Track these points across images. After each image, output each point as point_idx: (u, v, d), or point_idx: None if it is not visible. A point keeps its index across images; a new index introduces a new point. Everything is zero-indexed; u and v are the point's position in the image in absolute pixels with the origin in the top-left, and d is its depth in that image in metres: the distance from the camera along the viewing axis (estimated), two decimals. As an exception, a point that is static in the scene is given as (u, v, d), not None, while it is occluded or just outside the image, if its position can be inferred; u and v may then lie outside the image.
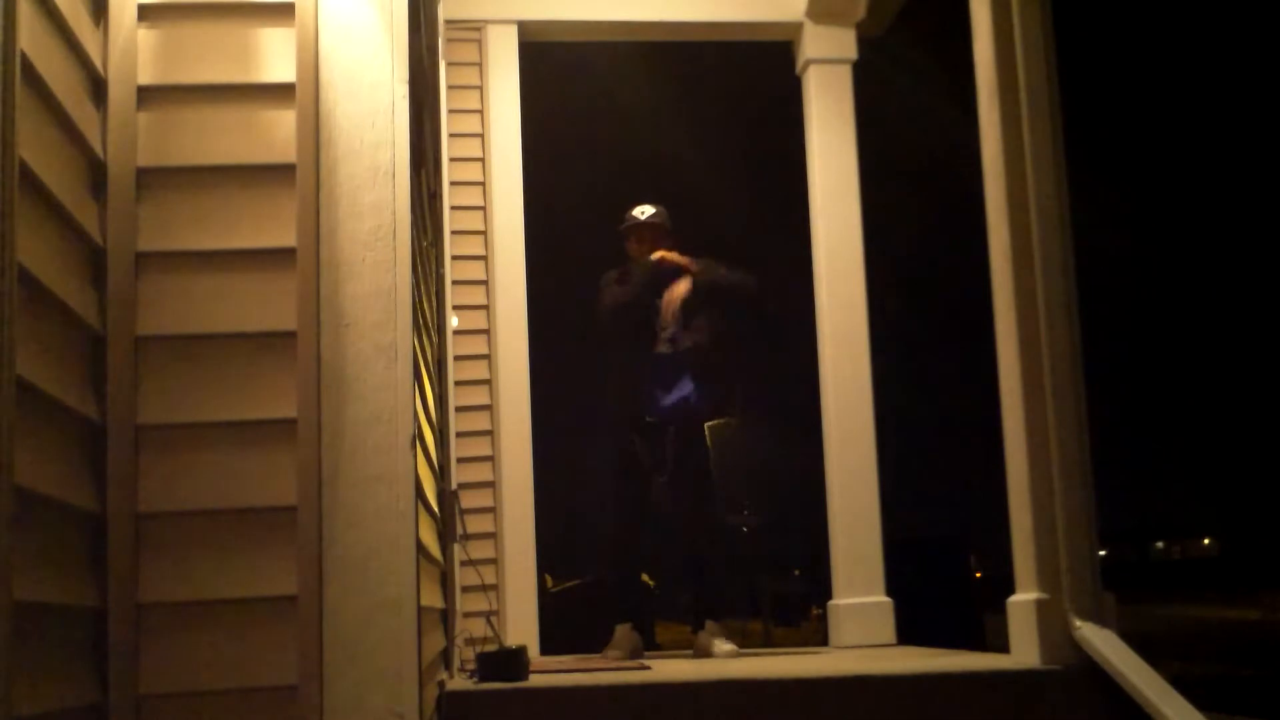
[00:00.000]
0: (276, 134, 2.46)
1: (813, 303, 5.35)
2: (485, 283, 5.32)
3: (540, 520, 5.26)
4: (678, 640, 7.82)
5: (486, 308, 5.30)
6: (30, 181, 1.88)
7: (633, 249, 5.01)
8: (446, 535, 3.76)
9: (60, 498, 2.01)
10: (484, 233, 5.34)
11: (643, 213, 5.01)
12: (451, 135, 5.23)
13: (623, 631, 4.73)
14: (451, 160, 5.21)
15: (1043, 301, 3.35)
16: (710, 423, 5.09)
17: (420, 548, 2.55)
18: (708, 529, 4.89)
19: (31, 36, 1.90)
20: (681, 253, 4.96)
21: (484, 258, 5.33)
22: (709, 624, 4.74)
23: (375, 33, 2.54)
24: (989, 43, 3.54)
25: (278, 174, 2.45)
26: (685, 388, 4.84)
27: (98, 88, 2.34)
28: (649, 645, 5.50)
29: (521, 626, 5.04)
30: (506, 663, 3.30)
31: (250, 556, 2.33)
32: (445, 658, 3.55)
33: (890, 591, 5.12)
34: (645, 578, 5.53)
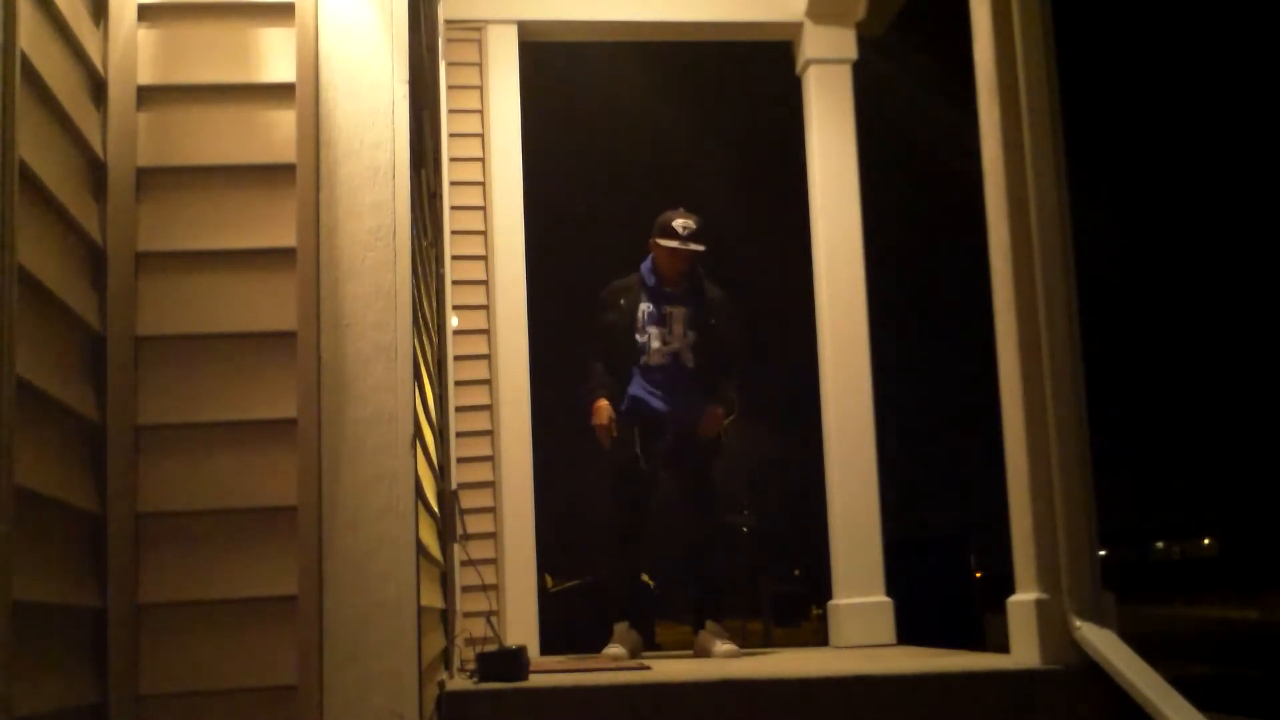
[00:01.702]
0: (276, 134, 2.46)
1: (813, 303, 5.35)
2: (485, 283, 5.32)
3: (540, 520, 5.26)
4: (678, 640, 7.82)
5: (486, 308, 5.30)
6: (30, 181, 1.88)
7: (663, 260, 4.84)
8: (446, 535, 3.76)
9: (60, 498, 2.01)
10: (484, 233, 5.34)
11: (685, 228, 4.78)
12: (451, 135, 5.23)
13: (621, 630, 4.74)
14: (451, 160, 5.21)
15: (1043, 301, 3.35)
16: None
17: (420, 548, 2.55)
18: (707, 529, 4.89)
19: (31, 36, 1.90)
20: (703, 275, 4.92)
21: (484, 258, 5.33)
22: (709, 624, 4.74)
23: (375, 33, 2.54)
24: (989, 43, 3.54)
25: (278, 174, 2.45)
26: (686, 396, 4.82)
27: (98, 88, 2.34)
28: (649, 645, 5.50)
29: (521, 626, 5.04)
30: (506, 663, 3.30)
31: (250, 557, 2.33)
32: (445, 658, 3.55)
33: (890, 591, 5.12)
34: (645, 577, 5.52)
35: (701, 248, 4.82)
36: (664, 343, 4.84)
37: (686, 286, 4.89)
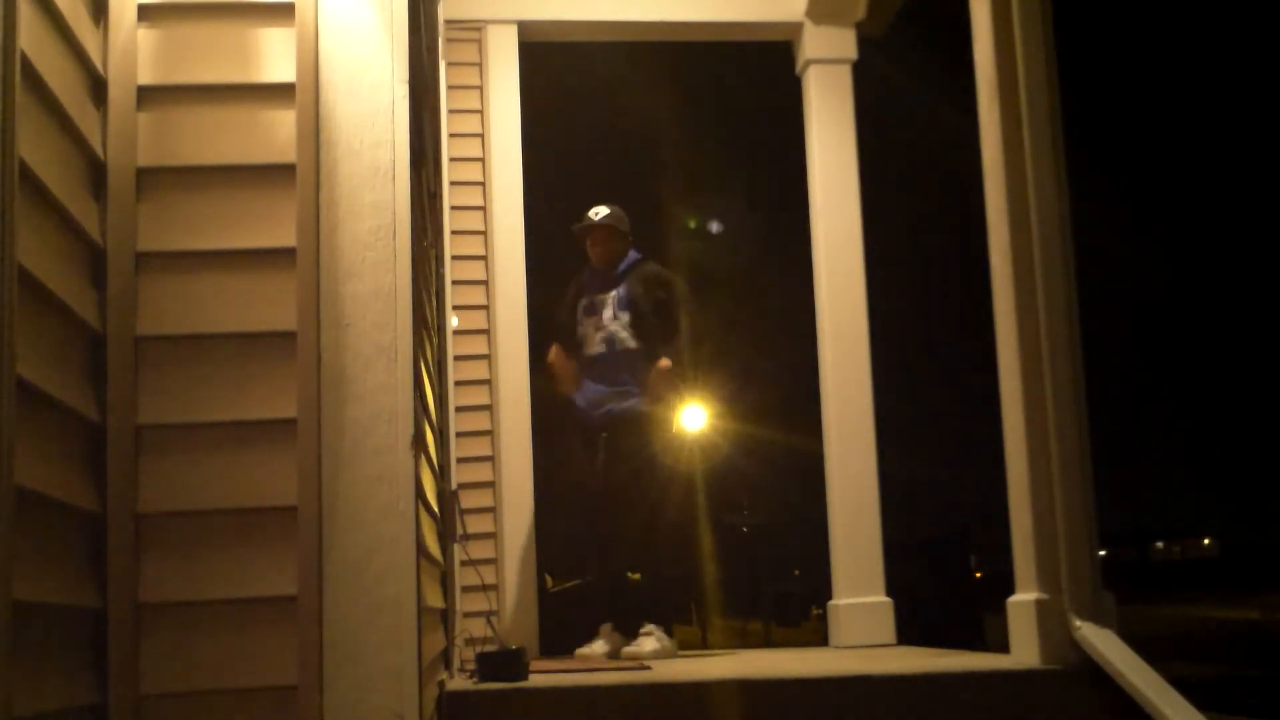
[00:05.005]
0: (276, 134, 2.46)
1: (813, 303, 5.35)
2: (485, 283, 5.32)
3: (540, 520, 5.26)
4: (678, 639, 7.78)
5: (486, 308, 5.30)
6: (30, 181, 1.88)
7: (589, 250, 5.09)
8: (446, 535, 3.76)
9: (60, 498, 2.01)
10: (484, 233, 5.34)
11: (597, 214, 5.05)
12: (451, 135, 5.23)
13: (605, 631, 4.80)
14: (451, 160, 5.21)
15: (1043, 301, 3.35)
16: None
17: (420, 548, 2.55)
18: (642, 529, 4.91)
19: (31, 36, 1.90)
20: (633, 255, 5.09)
21: (484, 258, 5.33)
22: (647, 626, 4.77)
23: (375, 33, 2.54)
24: (989, 43, 3.54)
25: (278, 174, 2.45)
26: (628, 390, 4.89)
27: (98, 88, 2.34)
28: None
29: (521, 626, 5.04)
30: (506, 663, 3.30)
31: (250, 556, 2.33)
32: (445, 658, 3.55)
33: (890, 591, 5.12)
34: (634, 575, 5.53)
35: (609, 214, 5.02)
36: (597, 329, 4.97)
37: (619, 273, 5.03)
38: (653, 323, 4.96)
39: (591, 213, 5.07)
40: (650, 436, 4.87)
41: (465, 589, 4.53)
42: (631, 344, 4.93)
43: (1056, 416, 3.31)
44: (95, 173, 2.31)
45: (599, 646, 4.75)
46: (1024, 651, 3.31)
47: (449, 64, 5.25)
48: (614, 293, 4.99)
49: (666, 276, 5.08)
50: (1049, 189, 3.40)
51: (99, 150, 2.31)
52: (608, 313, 4.96)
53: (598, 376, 4.94)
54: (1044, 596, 3.26)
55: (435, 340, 3.71)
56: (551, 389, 5.07)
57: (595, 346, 4.97)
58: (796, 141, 5.52)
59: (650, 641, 4.66)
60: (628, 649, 4.67)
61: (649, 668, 3.91)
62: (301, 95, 2.47)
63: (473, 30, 5.42)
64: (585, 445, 4.93)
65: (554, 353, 5.00)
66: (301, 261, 2.43)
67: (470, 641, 3.95)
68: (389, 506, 2.41)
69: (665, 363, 4.87)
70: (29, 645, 1.78)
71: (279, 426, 2.38)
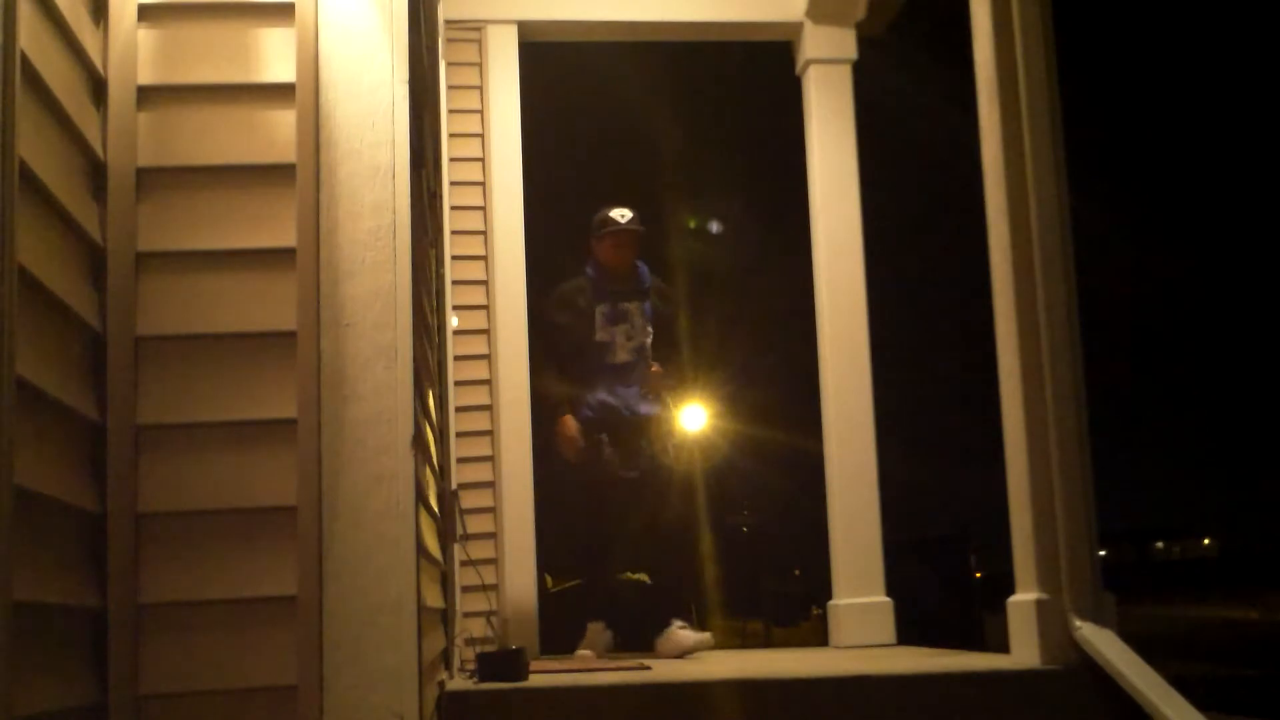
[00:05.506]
0: (276, 134, 2.46)
1: (813, 303, 5.35)
2: (485, 283, 5.31)
3: (540, 520, 5.26)
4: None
5: (486, 308, 5.30)
6: (30, 181, 1.88)
7: (608, 253, 5.03)
8: (446, 535, 3.76)
9: (60, 498, 2.01)
10: (484, 233, 5.33)
11: (623, 216, 5.01)
12: (451, 135, 5.23)
13: (594, 629, 4.79)
14: (451, 160, 5.21)
15: (1043, 301, 3.36)
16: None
17: (420, 548, 2.55)
18: (660, 533, 4.91)
19: (31, 36, 1.90)
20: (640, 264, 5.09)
21: (484, 258, 5.32)
22: (674, 623, 4.76)
23: (375, 33, 2.54)
24: (989, 43, 3.54)
25: (278, 174, 2.45)
26: (647, 395, 4.92)
27: (98, 88, 2.34)
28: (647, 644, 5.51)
29: (521, 626, 5.04)
30: (506, 663, 3.30)
31: (250, 556, 2.33)
32: (445, 658, 3.55)
33: (890, 591, 5.12)
34: (643, 576, 5.53)
35: (642, 228, 5.01)
36: (629, 338, 4.96)
37: (634, 280, 5.03)
38: (661, 333, 5.05)
39: (617, 214, 5.01)
40: (668, 437, 4.92)
41: (465, 589, 4.53)
42: (651, 353, 5.01)
43: (1056, 416, 3.31)
44: (95, 173, 2.31)
45: (596, 645, 4.74)
46: (1024, 651, 3.31)
47: (449, 64, 5.25)
48: (645, 304, 5.02)
49: (669, 290, 5.19)
50: (1049, 189, 3.40)
51: (99, 150, 2.31)
52: (639, 321, 4.99)
53: (622, 381, 4.93)
54: (1044, 596, 3.26)
55: (435, 340, 3.71)
56: (554, 448, 5.06)
57: (624, 354, 4.96)
58: (796, 141, 5.52)
59: (689, 634, 4.64)
60: (666, 643, 4.63)
61: (649, 668, 3.91)
62: (301, 95, 2.47)
63: (473, 30, 5.42)
64: (615, 437, 4.89)
65: (568, 424, 4.94)
66: (301, 262, 2.43)
67: (470, 641, 3.95)
68: (389, 506, 2.41)
69: (657, 368, 4.96)
70: (29, 645, 1.78)
71: (279, 427, 2.38)
